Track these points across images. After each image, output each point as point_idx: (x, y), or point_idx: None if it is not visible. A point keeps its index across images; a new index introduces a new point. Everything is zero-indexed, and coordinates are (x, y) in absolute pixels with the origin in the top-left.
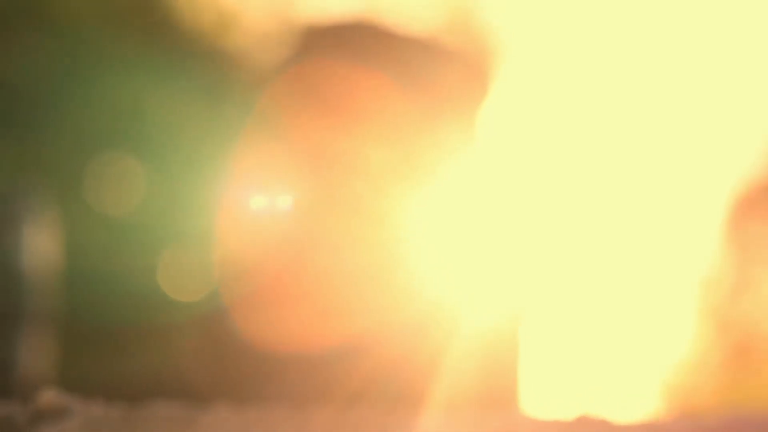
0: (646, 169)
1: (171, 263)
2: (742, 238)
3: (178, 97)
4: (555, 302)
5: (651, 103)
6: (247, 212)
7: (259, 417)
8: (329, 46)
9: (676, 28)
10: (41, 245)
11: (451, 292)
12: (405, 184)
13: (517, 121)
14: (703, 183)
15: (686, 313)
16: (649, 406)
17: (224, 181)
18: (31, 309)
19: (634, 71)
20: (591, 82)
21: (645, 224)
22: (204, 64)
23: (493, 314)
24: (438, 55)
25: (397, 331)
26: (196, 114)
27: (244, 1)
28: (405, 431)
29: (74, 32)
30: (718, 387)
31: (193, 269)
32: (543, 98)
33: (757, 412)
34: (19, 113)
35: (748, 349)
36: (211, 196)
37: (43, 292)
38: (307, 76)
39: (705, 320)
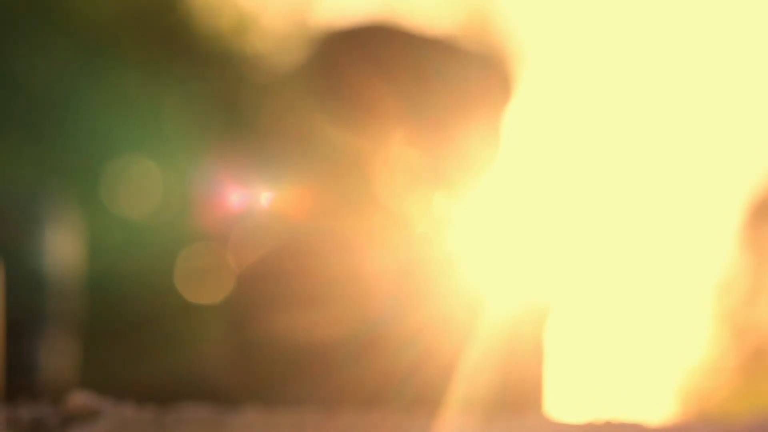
0: (664, 173)
1: (194, 264)
2: (759, 241)
3: (196, 100)
4: (575, 305)
5: (670, 105)
6: (265, 213)
7: (286, 418)
8: (348, 48)
9: (698, 31)
10: (64, 247)
11: (472, 293)
12: (427, 185)
13: (539, 123)
14: (720, 186)
15: (703, 316)
16: (667, 409)
17: (243, 182)
18: (56, 311)
19: (653, 74)
20: (610, 84)
21: (663, 228)
22: (222, 67)
23: (516, 315)
24: (461, 57)
25: (420, 332)
26: (213, 116)
27: (262, 3)
28: None
29: (93, 36)
30: (735, 390)
31: (215, 270)
32: (563, 101)
33: None
34: (38, 116)
35: (765, 353)
36: (231, 196)
37: (68, 294)
38: (326, 78)
39: (722, 324)
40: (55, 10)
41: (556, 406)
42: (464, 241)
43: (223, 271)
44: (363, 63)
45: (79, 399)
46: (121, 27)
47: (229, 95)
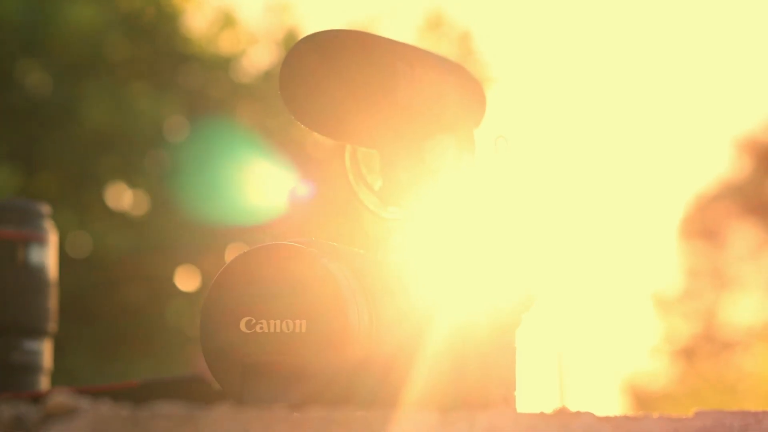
0: (614, 171)
1: (174, 267)
2: (701, 235)
3: (171, 103)
4: (537, 302)
5: (617, 107)
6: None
7: (256, 416)
8: (307, 53)
9: (647, 33)
10: (51, 252)
11: (444, 291)
12: (393, 192)
13: (506, 133)
14: (665, 183)
15: (647, 310)
16: (615, 399)
17: (218, 185)
18: (41, 314)
19: (604, 75)
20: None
21: (612, 222)
22: (196, 69)
23: (484, 312)
24: (434, 64)
25: (390, 328)
26: (186, 119)
27: (237, 8)
28: (394, 430)
29: (76, 46)
30: (677, 375)
31: (195, 274)
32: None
33: (735, 413)
34: (25, 125)
35: (708, 342)
36: (207, 200)
37: (53, 297)
38: (288, 84)
39: (665, 316)
40: (46, 21)
41: (520, 399)
42: (431, 243)
43: (200, 275)
44: (320, 67)
45: (59, 398)
46: (109, 34)
47: (202, 97)
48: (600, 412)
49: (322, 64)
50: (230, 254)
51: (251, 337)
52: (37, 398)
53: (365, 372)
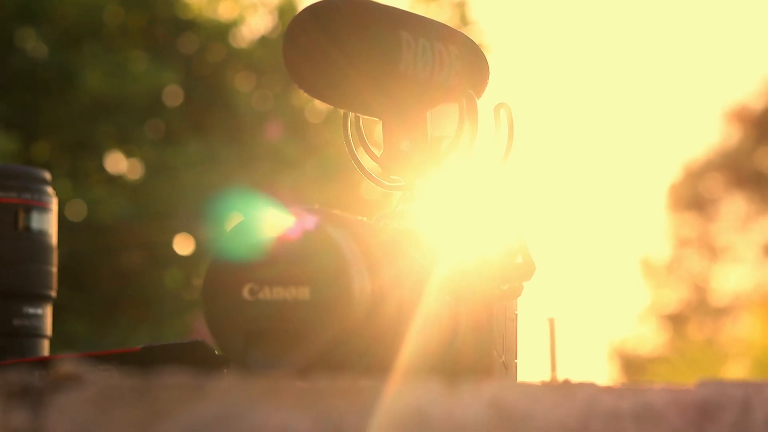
0: (606, 138)
1: (172, 234)
2: (690, 204)
3: (168, 69)
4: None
5: (606, 85)
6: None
7: (262, 384)
8: (305, 21)
9: (643, 23)
10: (52, 218)
11: (445, 258)
12: (403, 158)
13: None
14: (655, 150)
15: (636, 276)
16: (611, 368)
17: (220, 162)
18: (43, 280)
19: (599, 61)
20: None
21: (603, 190)
22: (194, 35)
23: (485, 279)
24: (438, 32)
25: (391, 294)
26: (182, 88)
27: None
28: (397, 399)
29: (73, 13)
30: (667, 340)
31: (198, 243)
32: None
33: (737, 384)
34: (23, 92)
35: (696, 308)
36: (210, 173)
37: (54, 263)
38: (288, 53)
39: (654, 282)
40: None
41: (521, 370)
42: (432, 211)
43: (204, 245)
44: (323, 37)
45: (66, 366)
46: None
47: (207, 60)
48: (592, 378)
49: (325, 33)
50: (231, 221)
51: (254, 304)
52: (41, 364)
53: (366, 337)
